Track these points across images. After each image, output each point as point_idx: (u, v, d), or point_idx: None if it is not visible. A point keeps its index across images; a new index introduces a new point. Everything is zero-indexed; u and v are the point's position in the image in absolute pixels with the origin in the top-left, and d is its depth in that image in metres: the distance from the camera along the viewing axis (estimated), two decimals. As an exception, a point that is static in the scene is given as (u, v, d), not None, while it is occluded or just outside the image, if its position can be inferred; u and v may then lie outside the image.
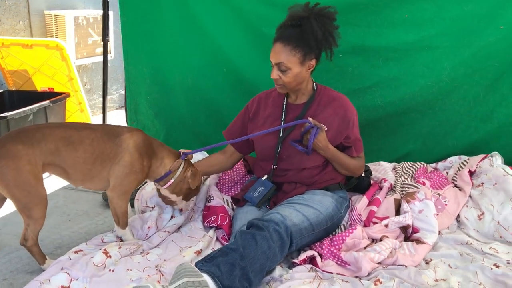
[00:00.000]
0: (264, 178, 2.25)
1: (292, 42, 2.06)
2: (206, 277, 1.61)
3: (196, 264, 1.73)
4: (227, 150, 2.46)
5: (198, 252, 2.05)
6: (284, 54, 2.07)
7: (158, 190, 2.33)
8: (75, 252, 2.04)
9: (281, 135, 2.22)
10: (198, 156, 2.92)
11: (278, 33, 2.14)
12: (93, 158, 2.07)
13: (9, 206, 2.82)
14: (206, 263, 1.69)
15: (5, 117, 3.21)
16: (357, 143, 2.26)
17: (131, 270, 1.92)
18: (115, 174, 2.10)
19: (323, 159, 2.20)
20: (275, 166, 2.23)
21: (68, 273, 1.86)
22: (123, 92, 5.49)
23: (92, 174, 2.10)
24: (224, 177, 2.67)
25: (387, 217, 2.20)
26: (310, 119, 2.09)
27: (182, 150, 2.25)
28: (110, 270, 1.92)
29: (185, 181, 2.21)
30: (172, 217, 2.34)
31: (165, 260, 2.02)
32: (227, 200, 2.45)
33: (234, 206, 2.39)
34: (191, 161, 2.34)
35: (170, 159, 2.20)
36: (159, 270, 1.90)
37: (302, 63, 2.09)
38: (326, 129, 2.13)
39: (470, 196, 2.38)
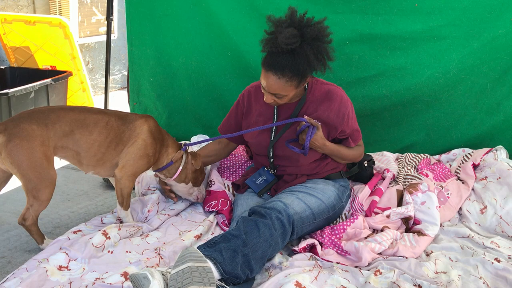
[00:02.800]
0: (266, 169, 2.23)
1: (287, 73, 1.89)
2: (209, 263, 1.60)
3: (198, 249, 1.71)
4: (222, 141, 2.43)
5: (198, 236, 2.05)
6: (280, 86, 1.93)
7: (165, 189, 2.35)
8: (74, 232, 2.03)
9: (272, 139, 2.16)
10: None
11: (268, 61, 1.92)
12: (107, 141, 2.06)
13: (9, 184, 2.81)
14: (208, 248, 1.68)
15: (7, 94, 3.19)
16: (354, 133, 2.20)
17: (130, 252, 1.92)
18: (127, 156, 2.10)
19: (320, 153, 2.17)
20: (271, 161, 2.20)
21: (66, 253, 1.86)
22: (126, 73, 5.45)
23: (105, 159, 2.09)
24: (225, 162, 2.65)
25: (389, 208, 2.19)
26: (305, 117, 2.02)
27: (183, 142, 2.26)
28: (109, 251, 1.91)
29: (188, 166, 2.23)
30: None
31: (164, 243, 2.01)
32: (228, 185, 2.43)
33: (235, 192, 2.38)
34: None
35: (173, 149, 2.23)
36: (158, 253, 1.89)
37: (297, 87, 1.98)
38: (320, 125, 2.07)
39: (473, 189, 2.36)
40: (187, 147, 2.27)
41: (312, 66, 1.93)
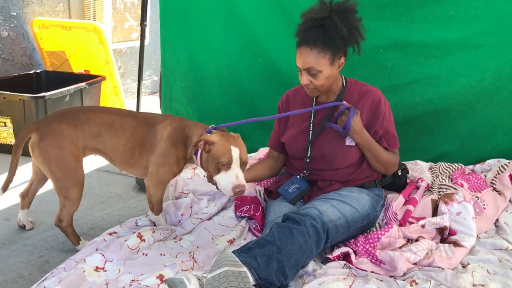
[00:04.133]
0: (299, 176, 2.22)
1: (318, 43, 1.96)
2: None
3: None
4: (272, 155, 2.41)
5: (231, 241, 2.06)
6: (312, 58, 1.98)
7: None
8: (110, 234, 2.07)
9: (310, 138, 2.17)
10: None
11: (300, 37, 2.03)
12: (133, 146, 2.09)
13: (45, 185, 2.88)
14: (243, 254, 1.68)
15: (43, 97, 3.28)
16: (390, 138, 2.19)
17: (164, 255, 1.94)
18: (151, 163, 2.11)
19: (358, 156, 2.14)
20: (307, 162, 2.19)
21: (102, 254, 1.90)
22: (156, 78, 5.53)
23: (133, 162, 2.13)
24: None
25: (424, 218, 2.15)
26: (344, 102, 2.05)
27: (211, 126, 2.11)
28: (143, 253, 1.94)
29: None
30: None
31: (197, 247, 2.02)
32: (259, 191, 2.44)
33: (267, 198, 2.38)
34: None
35: (197, 137, 2.09)
36: (193, 257, 1.91)
37: (332, 63, 2.02)
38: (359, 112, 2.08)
39: (510, 201, 2.31)
40: (212, 130, 2.06)
41: (344, 38, 1.97)
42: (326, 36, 1.97)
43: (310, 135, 2.17)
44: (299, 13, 2.89)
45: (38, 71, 4.00)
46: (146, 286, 1.70)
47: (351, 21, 1.99)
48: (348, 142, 2.12)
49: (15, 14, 3.92)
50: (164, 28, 3.36)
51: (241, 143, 2.01)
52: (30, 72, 3.94)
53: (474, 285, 1.78)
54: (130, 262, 1.90)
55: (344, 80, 2.20)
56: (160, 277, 1.74)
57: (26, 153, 2.12)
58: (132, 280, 1.77)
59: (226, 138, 1.99)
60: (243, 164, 1.97)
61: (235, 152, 1.94)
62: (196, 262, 1.89)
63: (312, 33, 1.98)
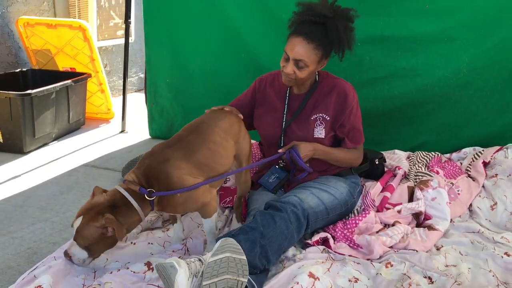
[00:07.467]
0: (277, 166, 2.29)
1: (316, 40, 2.00)
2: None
3: (217, 240, 1.79)
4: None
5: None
6: (307, 51, 2.01)
7: None
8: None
9: (283, 126, 2.22)
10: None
11: (299, 28, 2.04)
12: None
13: (32, 180, 2.92)
14: None
15: (29, 94, 3.31)
16: (356, 133, 2.23)
17: (152, 244, 2.00)
18: None
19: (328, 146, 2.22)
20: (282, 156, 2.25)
21: (90, 244, 1.94)
22: (142, 75, 5.57)
23: None
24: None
25: (400, 203, 2.24)
26: (280, 150, 2.11)
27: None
28: (132, 243, 2.00)
29: None
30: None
31: (185, 238, 2.08)
32: (243, 182, 2.50)
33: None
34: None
35: None
36: (185, 245, 1.98)
37: (319, 62, 2.08)
38: (298, 143, 2.13)
39: (483, 186, 2.41)
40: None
41: (340, 42, 2.03)
42: (326, 35, 2.02)
43: (284, 124, 2.23)
44: (280, 10, 2.99)
45: (24, 69, 4.01)
46: (134, 272, 1.76)
47: (348, 29, 2.06)
48: (317, 134, 2.18)
49: (-1, 13, 3.94)
50: (148, 25, 3.41)
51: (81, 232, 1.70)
52: (16, 71, 3.95)
53: (446, 265, 1.86)
54: (118, 251, 1.95)
55: (317, 73, 2.24)
56: (148, 264, 1.80)
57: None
58: (120, 268, 1.83)
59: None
60: None
61: None
62: (188, 250, 1.96)
63: (313, 28, 2.01)
